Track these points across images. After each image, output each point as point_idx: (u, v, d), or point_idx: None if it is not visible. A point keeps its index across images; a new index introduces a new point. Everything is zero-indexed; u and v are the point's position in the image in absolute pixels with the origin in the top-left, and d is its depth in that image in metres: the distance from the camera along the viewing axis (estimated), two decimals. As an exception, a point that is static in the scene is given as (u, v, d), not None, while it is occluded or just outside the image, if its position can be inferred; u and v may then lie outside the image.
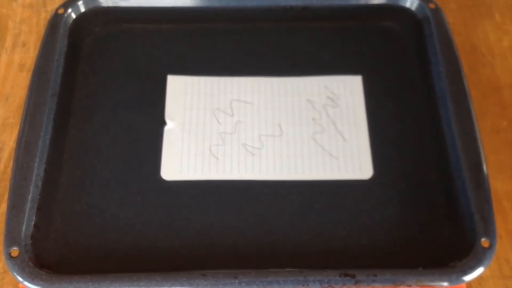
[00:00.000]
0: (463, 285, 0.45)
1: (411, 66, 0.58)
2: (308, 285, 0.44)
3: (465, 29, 0.63)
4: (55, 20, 0.59)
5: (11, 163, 0.53)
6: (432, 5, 0.59)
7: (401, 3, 0.60)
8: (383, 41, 0.60)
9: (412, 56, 0.59)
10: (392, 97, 0.56)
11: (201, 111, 0.55)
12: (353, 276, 0.44)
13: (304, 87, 0.57)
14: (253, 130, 0.54)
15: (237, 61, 0.58)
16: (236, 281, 0.44)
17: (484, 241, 0.45)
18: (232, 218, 0.49)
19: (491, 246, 0.45)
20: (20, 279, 0.45)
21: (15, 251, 0.46)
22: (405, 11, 0.60)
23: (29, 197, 0.48)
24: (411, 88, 0.57)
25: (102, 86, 0.57)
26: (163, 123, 0.54)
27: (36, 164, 0.50)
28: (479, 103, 0.56)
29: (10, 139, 0.56)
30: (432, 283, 0.44)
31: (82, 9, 0.60)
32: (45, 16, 0.64)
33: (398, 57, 0.59)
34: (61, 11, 0.60)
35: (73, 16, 0.60)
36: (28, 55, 0.62)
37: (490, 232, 0.46)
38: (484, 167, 0.48)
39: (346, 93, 0.56)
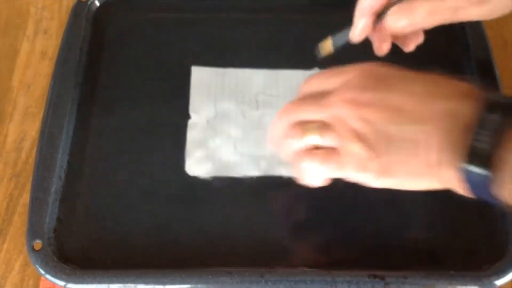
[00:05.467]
0: (495, 289, 0.44)
1: (441, 61, 0.56)
2: (336, 286, 0.43)
3: (497, 24, 0.62)
4: (79, 8, 0.58)
5: (33, 153, 0.53)
6: (465, -1, 0.57)
7: (433, -4, 0.59)
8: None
9: (443, 51, 0.57)
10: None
11: (226, 104, 0.54)
12: (382, 278, 0.43)
13: (331, 80, 0.55)
14: (278, 125, 0.53)
15: (262, 53, 0.57)
16: (262, 280, 0.44)
17: (517, 245, 0.45)
18: (257, 215, 0.48)
19: (524, 249, 0.44)
20: (42, 272, 0.45)
21: (38, 244, 0.45)
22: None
23: (53, 189, 0.48)
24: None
25: (125, 77, 0.56)
26: (187, 115, 0.53)
27: (59, 156, 0.49)
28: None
29: (32, 128, 0.55)
30: (464, 287, 0.43)
31: (106, -3, 0.60)
32: (67, 3, 0.63)
33: (428, 52, 0.57)
34: (84, -2, 0.59)
35: (97, 4, 0.59)
36: (50, 43, 0.61)
37: (523, 235, 0.45)
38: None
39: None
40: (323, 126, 0.40)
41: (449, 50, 0.57)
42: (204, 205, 0.49)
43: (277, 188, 0.49)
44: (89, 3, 0.59)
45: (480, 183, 0.34)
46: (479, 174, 0.34)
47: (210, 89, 0.55)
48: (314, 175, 0.41)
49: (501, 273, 0.44)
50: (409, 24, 0.45)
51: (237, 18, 0.59)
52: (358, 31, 0.47)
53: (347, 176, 0.40)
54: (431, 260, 0.46)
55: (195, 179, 0.50)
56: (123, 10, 0.60)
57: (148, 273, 0.44)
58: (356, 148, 0.38)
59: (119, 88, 0.55)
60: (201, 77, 0.55)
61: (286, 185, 0.49)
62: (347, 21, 0.58)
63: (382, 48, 0.48)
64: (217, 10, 0.60)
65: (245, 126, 0.53)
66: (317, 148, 0.40)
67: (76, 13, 0.58)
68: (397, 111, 0.38)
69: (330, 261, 0.46)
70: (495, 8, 0.44)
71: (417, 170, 0.38)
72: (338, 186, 0.46)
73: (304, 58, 0.57)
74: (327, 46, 0.50)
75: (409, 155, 0.37)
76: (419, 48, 0.57)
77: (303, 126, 0.41)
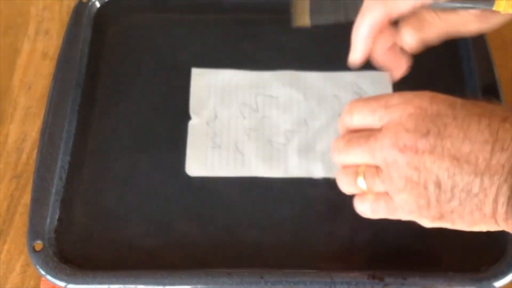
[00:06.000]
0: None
1: (441, 61, 0.57)
2: (335, 287, 0.43)
3: (496, 24, 0.62)
4: (79, 9, 0.58)
5: (33, 154, 0.53)
6: (465, 0, 0.57)
7: (433, -3, 0.59)
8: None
9: (443, 51, 0.57)
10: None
11: (226, 106, 0.54)
12: (381, 279, 0.43)
13: (331, 82, 0.56)
14: (278, 126, 0.53)
15: (262, 54, 0.57)
16: (262, 281, 0.44)
17: (516, 246, 0.45)
18: (256, 216, 0.48)
19: (523, 251, 0.45)
20: (43, 273, 0.45)
21: (38, 244, 0.45)
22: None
23: (53, 190, 0.48)
24: (442, 84, 0.55)
25: (126, 77, 0.56)
26: (188, 117, 0.53)
27: (60, 156, 0.50)
28: (510, 99, 0.55)
29: (32, 129, 0.55)
30: (462, 288, 0.43)
31: (107, -2, 0.60)
32: (68, 3, 0.64)
33: (428, 53, 0.57)
34: (85, -1, 0.59)
35: (97, 5, 0.59)
36: (51, 43, 0.61)
37: (522, 237, 0.45)
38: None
39: (374, 88, 0.55)
40: (371, 173, 0.39)
41: (449, 51, 0.57)
42: (204, 206, 0.49)
43: (277, 189, 0.50)
44: (90, 4, 0.59)
45: None
46: None
47: (210, 90, 0.55)
48: (369, 214, 0.41)
49: (500, 274, 0.44)
50: (420, 39, 0.44)
51: (238, 19, 0.59)
52: (358, 55, 0.45)
53: (401, 218, 0.40)
54: (430, 261, 0.46)
55: (195, 180, 0.50)
56: (124, 11, 0.60)
57: (148, 274, 0.44)
58: (405, 196, 0.38)
59: (120, 89, 0.55)
60: (201, 78, 0.55)
61: (286, 186, 0.50)
62: (349, 23, 0.59)
63: (397, 74, 0.47)
64: (217, 11, 0.60)
65: (245, 127, 0.53)
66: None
67: (77, 13, 0.58)
68: (452, 160, 0.36)
69: (330, 262, 0.46)
70: (495, 23, 0.44)
71: (473, 219, 0.37)
72: (338, 187, 0.47)
73: (305, 59, 0.57)
74: (302, 15, 0.45)
75: (463, 205, 0.36)
76: (421, 51, 0.58)
77: (354, 169, 0.40)
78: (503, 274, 0.44)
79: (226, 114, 0.53)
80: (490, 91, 0.53)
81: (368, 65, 0.56)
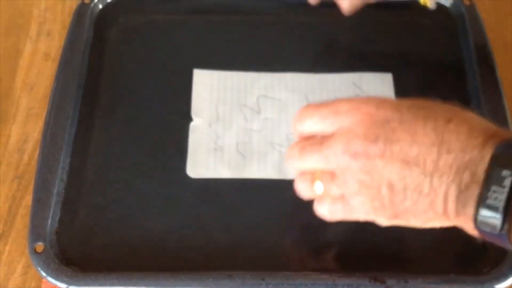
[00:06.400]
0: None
1: (443, 63, 0.57)
2: (337, 289, 0.43)
3: (498, 26, 0.62)
4: (82, 10, 0.59)
5: (35, 155, 0.53)
6: (467, 2, 0.57)
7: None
8: (416, 38, 0.58)
9: (445, 53, 0.57)
10: (423, 95, 0.54)
11: (228, 107, 0.54)
12: (383, 281, 0.43)
13: (333, 83, 0.55)
14: (280, 128, 0.53)
15: (264, 56, 0.57)
16: (263, 283, 0.44)
17: (518, 248, 0.44)
18: (258, 218, 0.48)
19: (526, 253, 0.44)
20: (44, 274, 0.45)
21: (40, 246, 0.45)
22: (439, 7, 0.58)
23: (55, 191, 0.48)
24: (444, 87, 0.55)
25: (127, 79, 0.56)
26: (189, 118, 0.53)
27: (62, 158, 0.50)
28: (512, 102, 0.55)
29: (34, 130, 0.55)
30: (465, 291, 0.43)
31: (108, -1, 0.60)
32: (70, 4, 0.64)
33: (430, 54, 0.57)
34: (87, 0, 0.59)
35: (99, 6, 0.59)
36: (53, 44, 0.61)
37: (524, 239, 0.45)
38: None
39: (376, 90, 0.55)
40: (327, 176, 0.41)
41: (451, 53, 0.57)
42: (206, 208, 0.49)
43: (278, 191, 0.49)
44: (92, 5, 0.59)
45: (494, 234, 0.35)
46: (492, 227, 0.35)
47: (212, 92, 0.55)
48: (328, 216, 0.43)
49: (502, 277, 0.44)
50: None
51: (239, 21, 0.59)
52: None
53: (358, 219, 0.42)
54: (432, 264, 0.46)
55: (196, 182, 0.50)
56: (126, 12, 0.60)
57: (150, 275, 0.44)
58: (361, 198, 0.39)
59: (122, 90, 0.55)
60: (203, 79, 0.55)
61: (287, 188, 0.49)
62: (351, 25, 0.59)
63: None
64: (219, 13, 0.60)
65: (247, 129, 0.53)
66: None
67: (79, 14, 0.58)
68: (402, 163, 0.37)
69: (331, 264, 0.46)
70: None
71: (426, 217, 0.38)
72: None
73: (306, 61, 0.57)
74: None
75: (416, 205, 0.38)
76: (421, 50, 0.58)
77: (311, 175, 0.42)
78: (504, 276, 0.44)
79: (228, 115, 0.53)
80: (492, 93, 0.53)
81: (369, 66, 0.56)
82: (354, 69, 0.56)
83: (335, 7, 0.56)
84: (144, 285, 0.44)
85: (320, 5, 0.58)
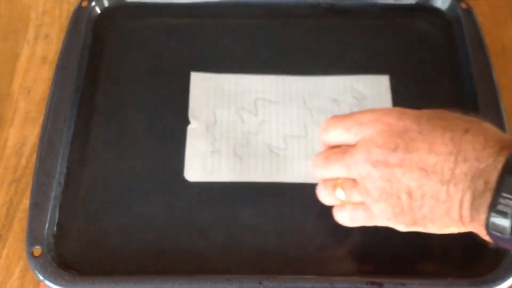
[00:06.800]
0: (493, 296, 0.44)
1: (440, 67, 0.57)
2: (334, 292, 0.43)
3: (496, 29, 0.62)
4: (79, 13, 0.59)
5: (33, 158, 0.53)
6: (464, 5, 0.58)
7: (432, 3, 0.59)
8: (412, 41, 0.58)
9: (442, 56, 0.57)
10: (420, 98, 0.55)
11: (225, 110, 0.54)
12: (380, 285, 0.43)
13: (330, 86, 0.56)
14: (277, 130, 0.53)
15: (262, 59, 0.57)
16: (261, 286, 0.44)
17: (515, 251, 0.45)
18: (256, 221, 0.48)
19: (522, 256, 0.44)
20: (42, 278, 0.45)
21: (37, 250, 0.45)
22: (436, 11, 0.59)
23: (52, 195, 0.48)
24: (440, 89, 0.55)
25: (125, 82, 0.56)
26: (187, 121, 0.53)
27: (59, 161, 0.50)
28: (510, 105, 0.55)
29: (32, 133, 0.55)
30: (462, 294, 0.43)
31: (106, 3, 0.60)
32: (68, 8, 0.64)
33: (427, 58, 0.57)
34: (85, 4, 0.59)
35: (97, 10, 0.59)
36: (51, 47, 0.61)
37: (521, 242, 0.45)
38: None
39: (373, 93, 0.55)
40: (349, 184, 0.43)
41: (448, 56, 0.57)
42: (203, 211, 0.49)
43: (276, 195, 0.50)
44: (89, 8, 0.59)
45: (504, 239, 0.37)
46: (502, 233, 0.36)
47: (209, 94, 0.55)
48: (348, 222, 0.45)
49: (499, 280, 0.44)
50: None
51: (236, 24, 0.59)
52: None
53: (378, 224, 0.43)
54: (430, 267, 0.46)
55: (194, 185, 0.50)
56: (123, 16, 0.60)
57: (147, 279, 0.44)
58: (381, 205, 0.41)
59: (119, 94, 0.55)
60: (200, 83, 0.55)
61: (285, 191, 0.50)
62: (348, 28, 0.59)
63: None
64: (216, 16, 0.60)
65: (244, 132, 0.53)
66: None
67: (76, 18, 0.58)
68: (420, 171, 0.39)
69: (329, 267, 0.46)
70: None
71: (443, 223, 0.40)
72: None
73: (303, 63, 0.57)
74: None
75: (433, 212, 0.39)
76: (418, 53, 0.58)
77: (333, 182, 0.44)
78: (502, 279, 0.44)
79: (225, 118, 0.53)
80: (489, 96, 0.53)
81: (367, 69, 0.56)
82: (351, 72, 0.56)
83: (331, 10, 0.56)
84: (142, 289, 0.44)
85: (318, 9, 0.59)
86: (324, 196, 0.45)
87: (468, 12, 0.58)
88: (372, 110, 0.43)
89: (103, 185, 0.50)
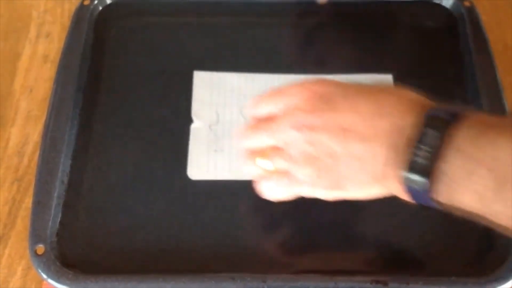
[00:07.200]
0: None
1: (443, 65, 0.57)
2: (338, 291, 0.43)
3: (498, 28, 0.62)
4: (81, 12, 0.58)
5: (35, 157, 0.52)
6: (467, 3, 0.57)
7: (436, 1, 0.59)
8: (416, 39, 0.58)
9: (445, 55, 0.57)
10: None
11: (228, 109, 0.54)
12: (385, 283, 0.43)
13: (333, 85, 0.55)
14: (281, 129, 0.53)
15: (265, 57, 0.57)
16: (265, 285, 0.44)
17: (519, 251, 0.44)
18: (259, 220, 0.48)
19: (526, 256, 0.44)
20: (45, 276, 0.44)
21: (40, 248, 0.45)
22: (440, 8, 0.59)
23: (55, 193, 0.48)
24: (444, 88, 0.55)
25: (127, 81, 0.56)
26: (190, 120, 0.53)
27: (61, 160, 0.49)
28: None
29: (34, 132, 0.55)
30: (465, 293, 0.43)
31: (108, 1, 0.60)
32: (69, 7, 0.64)
33: (431, 56, 0.57)
34: (87, 2, 0.59)
35: (99, 8, 0.59)
36: (52, 46, 0.61)
37: (524, 242, 0.45)
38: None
39: (376, 92, 0.55)
40: (274, 152, 0.43)
41: (451, 55, 0.57)
42: (207, 209, 0.49)
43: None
44: (91, 7, 0.59)
45: (420, 193, 0.37)
46: (418, 186, 0.37)
47: (212, 93, 0.55)
48: (273, 193, 0.44)
49: (503, 279, 0.44)
50: None
51: (239, 22, 0.59)
52: None
53: (302, 193, 0.43)
54: (433, 266, 0.46)
55: (197, 184, 0.50)
56: (125, 14, 0.60)
57: (151, 278, 0.44)
58: (306, 170, 0.41)
59: (121, 92, 0.55)
60: (203, 81, 0.55)
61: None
62: (351, 27, 0.59)
63: None
64: (219, 14, 0.60)
65: (248, 131, 0.53)
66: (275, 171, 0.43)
67: (78, 17, 0.58)
68: (342, 131, 0.40)
69: (333, 266, 0.46)
70: None
71: (365, 183, 0.40)
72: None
73: (306, 62, 0.57)
74: None
75: (356, 171, 0.40)
76: (421, 51, 0.58)
77: (257, 153, 0.44)
78: (505, 279, 0.44)
79: (228, 117, 0.53)
80: (492, 94, 0.53)
81: (370, 68, 0.56)
82: (355, 71, 0.56)
83: (334, 8, 0.56)
84: (145, 287, 0.43)
85: (321, 7, 0.58)
86: (250, 166, 0.44)
87: (471, 10, 0.58)
88: (300, 82, 0.43)
89: (106, 184, 0.50)
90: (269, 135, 0.43)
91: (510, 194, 0.33)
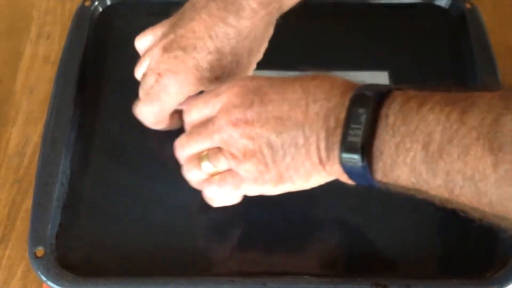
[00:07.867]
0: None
1: (445, 67, 0.56)
2: (338, 294, 0.43)
3: (500, 30, 0.61)
4: (82, 13, 0.58)
5: (35, 158, 0.52)
6: (468, 5, 0.57)
7: (437, 3, 0.59)
8: (416, 40, 0.58)
9: (446, 56, 0.57)
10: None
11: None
12: (385, 286, 0.43)
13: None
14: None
15: (267, 55, 0.56)
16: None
17: (521, 253, 0.44)
18: (260, 222, 0.48)
19: (528, 257, 0.44)
20: (44, 279, 0.44)
21: (40, 251, 0.45)
22: (440, 10, 0.58)
23: (55, 195, 0.48)
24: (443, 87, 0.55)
25: (128, 81, 0.55)
26: (190, 121, 0.53)
27: (62, 161, 0.49)
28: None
29: (34, 133, 0.55)
30: (467, 295, 0.43)
31: (109, 2, 0.60)
32: (70, 7, 0.64)
33: (431, 57, 0.57)
34: (87, 3, 0.59)
35: (99, 8, 0.59)
36: (53, 47, 0.61)
37: (527, 244, 0.45)
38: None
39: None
40: (214, 153, 0.43)
41: (452, 56, 0.57)
42: (207, 212, 0.48)
43: (280, 194, 0.49)
44: (92, 7, 0.59)
45: (360, 172, 0.38)
46: (355, 164, 0.37)
47: (213, 94, 0.54)
48: (220, 197, 0.44)
49: (505, 281, 0.43)
50: None
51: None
52: None
53: (248, 192, 0.44)
54: (434, 268, 0.46)
55: (197, 186, 0.50)
56: (126, 14, 0.60)
57: (151, 280, 0.44)
58: (247, 165, 0.41)
59: (122, 93, 0.55)
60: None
61: (288, 193, 0.49)
62: (352, 26, 0.59)
63: None
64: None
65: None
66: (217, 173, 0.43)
67: (79, 17, 0.58)
68: (275, 120, 0.40)
69: (333, 269, 0.46)
70: None
71: (306, 171, 0.41)
72: (341, 194, 0.46)
73: (303, 60, 0.56)
74: None
75: (296, 159, 0.40)
76: (421, 52, 0.57)
77: (197, 156, 0.44)
78: (507, 280, 0.43)
79: (229, 118, 0.53)
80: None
81: (367, 65, 0.56)
82: (351, 68, 0.56)
83: (334, 7, 0.56)
84: (145, 290, 0.43)
85: (318, 5, 0.58)
86: (190, 172, 0.44)
87: (473, 11, 0.57)
88: (228, 82, 0.44)
89: (106, 186, 0.50)
90: (207, 137, 0.43)
91: (442, 165, 0.35)
